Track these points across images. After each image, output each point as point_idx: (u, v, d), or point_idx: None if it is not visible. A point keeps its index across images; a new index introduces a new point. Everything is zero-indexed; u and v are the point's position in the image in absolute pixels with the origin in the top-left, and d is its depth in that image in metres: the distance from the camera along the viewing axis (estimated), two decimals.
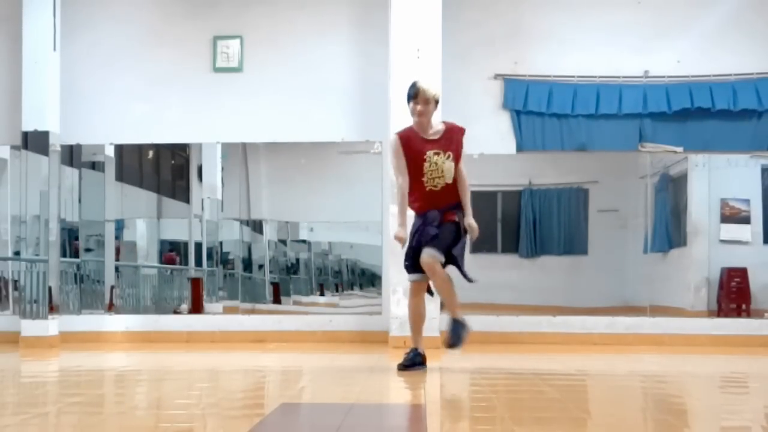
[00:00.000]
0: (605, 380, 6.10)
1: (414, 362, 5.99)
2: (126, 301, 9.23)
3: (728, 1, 8.91)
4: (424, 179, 5.94)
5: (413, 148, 5.97)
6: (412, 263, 5.98)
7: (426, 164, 5.93)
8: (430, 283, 6.05)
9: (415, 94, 5.99)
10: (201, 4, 9.05)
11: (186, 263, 9.45)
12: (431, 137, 6.00)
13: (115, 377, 6.36)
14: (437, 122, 6.14)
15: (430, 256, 5.85)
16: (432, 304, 7.99)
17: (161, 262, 9.45)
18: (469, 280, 5.97)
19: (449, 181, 5.95)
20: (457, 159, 5.98)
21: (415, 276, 6.01)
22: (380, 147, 8.71)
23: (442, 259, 5.90)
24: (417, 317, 6.12)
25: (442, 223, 5.92)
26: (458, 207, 6.01)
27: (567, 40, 8.90)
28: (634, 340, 8.41)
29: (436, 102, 6.05)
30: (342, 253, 9.42)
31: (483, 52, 8.87)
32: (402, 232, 5.96)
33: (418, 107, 5.97)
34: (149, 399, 5.10)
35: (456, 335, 5.98)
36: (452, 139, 6.01)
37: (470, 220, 6.00)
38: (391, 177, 7.97)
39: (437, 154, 5.95)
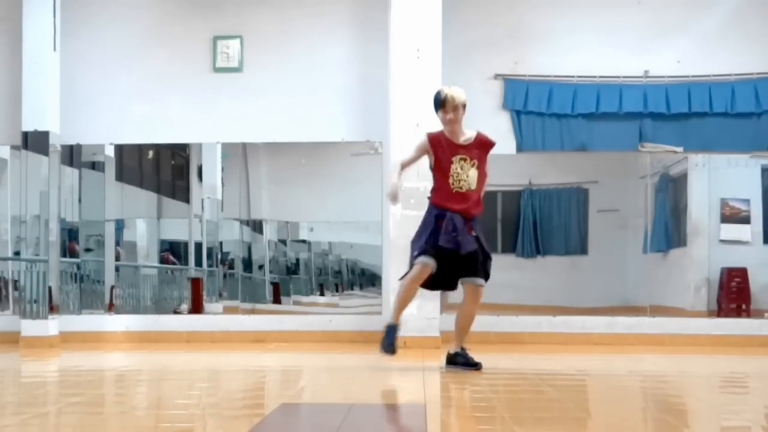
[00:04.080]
0: (605, 380, 6.10)
1: (392, 338, 5.99)
2: (126, 301, 9.23)
3: (728, 1, 8.91)
4: (450, 180, 5.95)
5: (442, 150, 5.98)
6: (432, 248, 5.87)
7: (452, 166, 5.95)
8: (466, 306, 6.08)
9: (443, 103, 5.94)
10: (201, 4, 9.05)
11: (186, 263, 9.46)
12: (462, 143, 6.00)
13: (115, 377, 6.36)
14: (469, 128, 6.09)
15: (481, 285, 5.97)
16: (432, 303, 8.01)
17: (160, 262, 9.45)
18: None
19: (473, 187, 5.96)
20: (483, 169, 6.02)
21: (430, 260, 5.89)
22: (381, 147, 8.71)
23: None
24: (410, 299, 6.09)
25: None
26: (477, 219, 6.03)
27: (567, 40, 8.90)
28: (634, 340, 8.41)
29: (464, 106, 6.00)
30: (342, 253, 9.43)
31: (483, 52, 8.87)
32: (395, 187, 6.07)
33: (449, 116, 5.94)
34: (149, 399, 5.10)
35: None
36: (481, 150, 6.03)
37: None
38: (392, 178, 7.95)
39: (464, 159, 5.97)
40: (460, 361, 6.03)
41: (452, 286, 6.16)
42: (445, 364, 6.11)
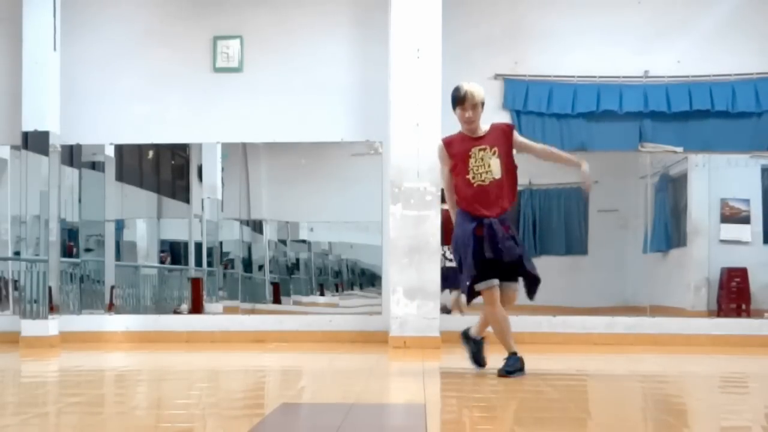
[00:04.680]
0: (605, 380, 6.10)
1: (518, 367, 5.71)
2: (126, 301, 9.23)
3: (728, 1, 8.91)
4: (470, 176, 5.72)
5: (458, 147, 5.79)
6: (481, 273, 5.66)
7: (471, 160, 5.72)
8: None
9: (462, 100, 5.71)
10: (201, 4, 9.05)
11: (186, 263, 9.46)
12: (477, 135, 5.80)
13: (115, 377, 6.36)
14: (484, 124, 5.87)
15: (515, 291, 5.80)
16: (432, 303, 8.01)
17: (160, 262, 9.46)
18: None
19: (497, 176, 5.73)
20: (508, 156, 5.81)
21: (493, 281, 5.70)
22: (380, 147, 8.71)
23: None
24: (506, 322, 5.82)
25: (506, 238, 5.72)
26: (507, 214, 5.84)
27: (567, 40, 8.90)
28: (634, 340, 8.41)
29: (483, 104, 5.79)
30: (342, 253, 9.43)
31: (483, 52, 8.87)
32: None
33: (467, 114, 5.72)
34: (149, 399, 5.10)
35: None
36: (499, 136, 5.81)
37: (583, 167, 6.04)
38: (392, 178, 8.04)
39: (483, 149, 5.74)
40: (472, 348, 5.94)
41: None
42: (461, 336, 5.99)
